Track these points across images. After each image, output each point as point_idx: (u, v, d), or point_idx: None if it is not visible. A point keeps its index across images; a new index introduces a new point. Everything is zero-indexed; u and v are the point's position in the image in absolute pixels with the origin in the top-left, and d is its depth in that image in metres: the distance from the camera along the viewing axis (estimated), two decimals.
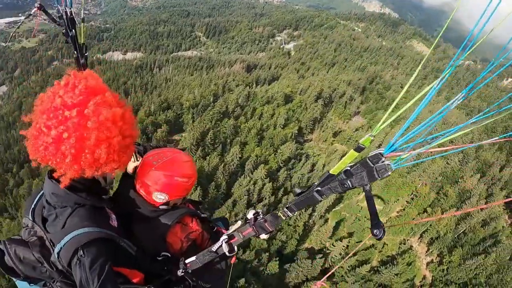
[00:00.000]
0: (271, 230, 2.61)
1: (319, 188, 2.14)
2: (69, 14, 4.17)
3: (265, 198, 66.89)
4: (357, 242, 66.12)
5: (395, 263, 62.05)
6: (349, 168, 1.92)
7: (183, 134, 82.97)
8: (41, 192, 2.81)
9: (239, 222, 2.94)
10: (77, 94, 2.38)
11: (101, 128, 2.36)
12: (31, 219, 2.70)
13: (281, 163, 77.30)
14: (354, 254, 61.58)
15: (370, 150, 1.95)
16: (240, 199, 63.47)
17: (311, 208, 68.59)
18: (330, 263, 61.58)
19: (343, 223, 69.75)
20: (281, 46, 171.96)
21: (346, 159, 1.92)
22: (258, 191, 67.30)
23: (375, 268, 62.28)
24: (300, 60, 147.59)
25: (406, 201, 69.08)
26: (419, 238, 66.56)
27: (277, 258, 58.08)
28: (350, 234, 67.35)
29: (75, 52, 4.20)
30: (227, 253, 2.79)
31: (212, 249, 2.85)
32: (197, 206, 3.64)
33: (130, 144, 2.64)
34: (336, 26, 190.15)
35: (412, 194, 69.47)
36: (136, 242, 2.83)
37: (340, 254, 61.52)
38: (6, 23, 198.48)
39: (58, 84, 2.53)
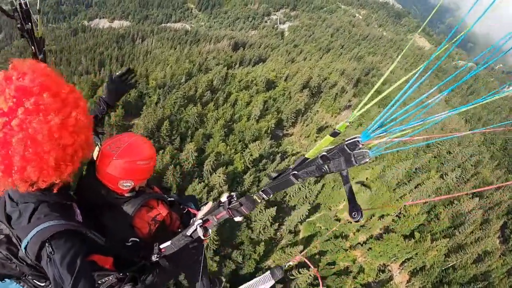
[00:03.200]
0: (247, 213, 2.52)
1: (295, 172, 2.07)
2: (23, 6, 3.63)
3: None
4: (327, 265, 54.72)
5: None
6: (325, 154, 1.89)
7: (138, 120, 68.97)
8: None
9: (210, 203, 2.86)
10: (7, 97, 2.01)
11: (30, 144, 2.05)
12: None
13: (250, 163, 64.00)
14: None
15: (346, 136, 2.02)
16: None
17: (277, 223, 56.88)
18: None
19: (316, 238, 58.02)
20: (275, 26, 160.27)
21: (321, 144, 1.91)
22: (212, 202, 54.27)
23: None
24: (293, 42, 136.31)
25: (392, 220, 58.00)
26: (400, 265, 55.62)
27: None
28: (322, 254, 55.48)
29: (32, 47, 3.72)
30: (202, 237, 2.68)
31: (187, 233, 2.74)
32: (164, 190, 3.56)
33: (74, 152, 2.29)
34: (336, 10, 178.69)
35: (399, 212, 58.53)
36: (104, 232, 2.65)
37: (306, 282, 49.54)
38: None
39: None
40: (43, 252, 2.17)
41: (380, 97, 1.72)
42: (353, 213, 1.86)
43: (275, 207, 54.96)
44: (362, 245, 57.11)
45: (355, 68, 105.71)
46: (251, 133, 68.62)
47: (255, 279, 3.44)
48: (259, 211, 55.32)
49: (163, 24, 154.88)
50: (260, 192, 2.30)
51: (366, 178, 64.86)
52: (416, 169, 66.32)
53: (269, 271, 3.70)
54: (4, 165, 2.05)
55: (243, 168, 62.91)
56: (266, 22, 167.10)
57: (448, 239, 55.32)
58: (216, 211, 2.59)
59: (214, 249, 49.40)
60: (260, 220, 55.18)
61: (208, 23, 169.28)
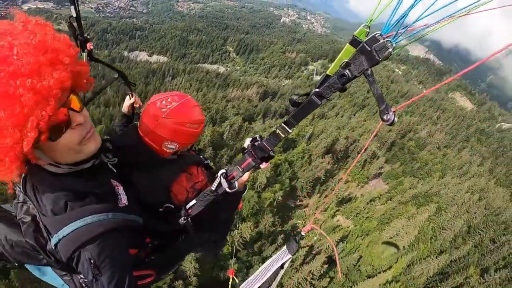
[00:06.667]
0: (270, 149, 2.08)
1: (317, 90, 1.75)
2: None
3: None
4: None
5: None
6: (346, 60, 1.63)
7: None
8: None
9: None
10: None
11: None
12: (22, 190, 1.84)
13: (240, 246, 48.16)
14: None
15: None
16: None
17: None
18: None
19: None
20: (310, 76, 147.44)
21: (342, 56, 1.69)
22: None
23: None
24: None
25: None
26: None
27: None
28: None
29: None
30: (227, 189, 2.21)
31: (212, 188, 2.29)
32: (200, 152, 3.23)
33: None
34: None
35: None
36: (136, 192, 2.30)
37: None
38: None
39: None
40: (82, 258, 1.67)
41: None
42: (384, 115, 1.58)
43: None
44: None
45: (390, 129, 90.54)
46: (250, 206, 53.12)
47: (273, 257, 3.21)
48: None
49: (199, 64, 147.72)
50: (283, 125, 1.89)
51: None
52: (451, 261, 51.75)
53: (285, 246, 3.53)
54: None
55: (229, 251, 46.08)
56: (302, 72, 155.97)
57: None
58: (241, 159, 2.16)
59: None
60: None
61: (243, 67, 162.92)
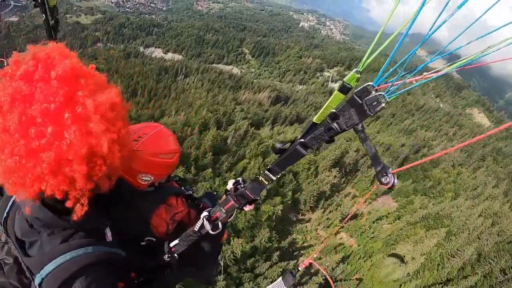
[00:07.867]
0: (252, 197, 2.13)
1: (302, 140, 1.72)
2: None
3: None
4: None
5: None
6: (334, 111, 1.60)
7: None
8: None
9: (224, 197, 2.44)
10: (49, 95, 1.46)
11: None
12: (3, 230, 1.96)
13: (231, 262, 43.63)
14: None
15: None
16: None
17: None
18: None
19: None
20: (325, 83, 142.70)
21: (330, 103, 1.60)
22: None
23: None
24: None
25: None
26: None
27: None
28: None
29: (43, 15, 3.38)
30: (210, 231, 2.30)
31: (195, 228, 2.38)
32: (182, 183, 3.18)
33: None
34: (392, 74, 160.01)
35: None
36: (117, 226, 2.33)
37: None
38: None
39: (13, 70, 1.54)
40: None
41: (388, 40, 1.38)
42: (383, 179, 1.48)
43: None
44: None
45: (404, 143, 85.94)
46: (246, 219, 48.35)
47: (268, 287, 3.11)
48: None
49: (214, 64, 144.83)
50: (266, 172, 1.89)
51: None
52: None
53: (280, 278, 3.43)
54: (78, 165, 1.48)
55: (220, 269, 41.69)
56: (317, 78, 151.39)
57: None
58: (225, 201, 2.22)
59: None
60: None
61: (258, 70, 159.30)
